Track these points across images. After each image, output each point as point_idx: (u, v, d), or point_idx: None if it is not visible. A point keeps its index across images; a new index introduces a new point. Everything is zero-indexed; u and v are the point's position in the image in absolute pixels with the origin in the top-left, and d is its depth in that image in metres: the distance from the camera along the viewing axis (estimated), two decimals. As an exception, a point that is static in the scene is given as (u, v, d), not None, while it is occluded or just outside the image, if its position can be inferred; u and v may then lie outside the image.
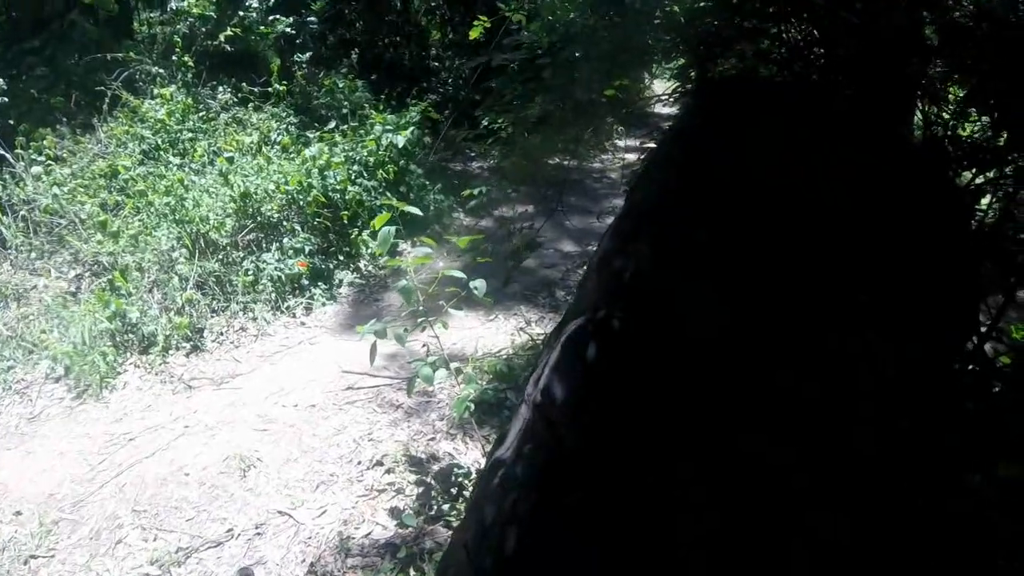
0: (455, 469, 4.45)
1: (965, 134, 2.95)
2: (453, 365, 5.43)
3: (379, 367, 5.54)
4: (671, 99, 4.77)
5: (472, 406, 4.09)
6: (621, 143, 10.52)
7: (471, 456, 4.67)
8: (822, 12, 3.09)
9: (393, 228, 3.95)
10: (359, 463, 4.69)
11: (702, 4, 3.95)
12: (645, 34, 4.11)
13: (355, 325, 6.52)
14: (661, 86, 4.69)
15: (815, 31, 3.28)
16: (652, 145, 5.38)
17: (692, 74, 4.10)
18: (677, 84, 4.40)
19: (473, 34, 5.73)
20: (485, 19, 5.56)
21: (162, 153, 7.96)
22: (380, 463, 4.66)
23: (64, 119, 8.08)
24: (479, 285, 4.02)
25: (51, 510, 4.32)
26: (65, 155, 7.54)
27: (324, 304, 6.96)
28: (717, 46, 3.83)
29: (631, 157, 8.15)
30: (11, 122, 7.92)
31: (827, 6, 3.00)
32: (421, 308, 4.09)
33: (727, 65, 3.97)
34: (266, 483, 4.54)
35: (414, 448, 4.77)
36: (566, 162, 5.68)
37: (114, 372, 5.64)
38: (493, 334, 6.28)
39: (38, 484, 4.55)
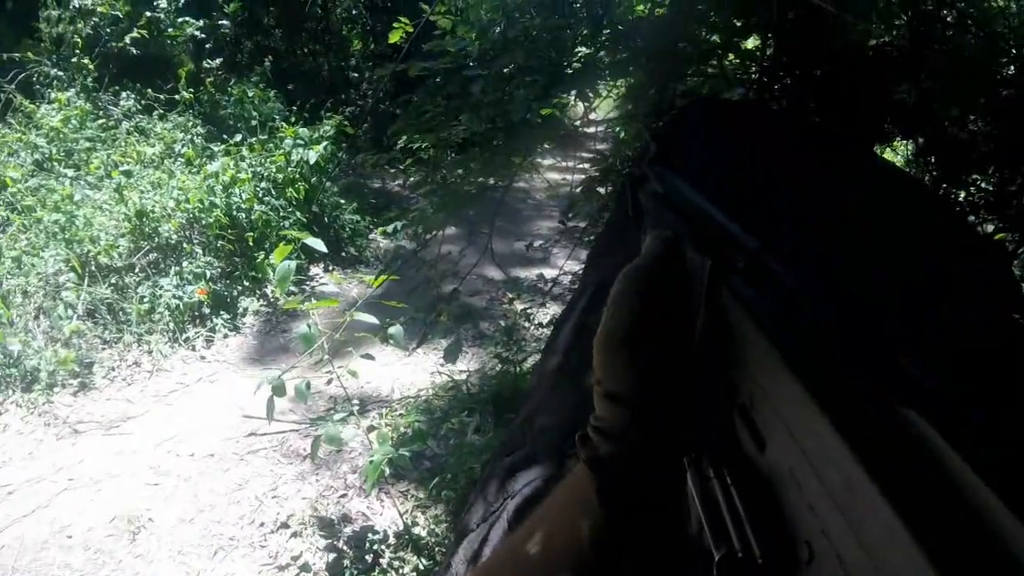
0: (369, 534, 4.09)
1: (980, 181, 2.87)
2: (367, 413, 5.06)
3: (283, 411, 5.11)
4: (619, 121, 4.48)
5: (387, 470, 3.70)
6: (545, 161, 10.27)
7: (387, 516, 4.31)
8: (797, 27, 2.87)
9: (293, 264, 3.54)
10: (262, 524, 4.28)
11: (659, 12, 3.66)
12: (594, 45, 3.79)
13: (260, 359, 6.10)
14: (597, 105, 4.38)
15: (794, 47, 3.07)
16: (583, 167, 5.11)
17: (649, 94, 3.80)
18: (623, 103, 4.12)
19: (393, 38, 5.32)
20: (406, 22, 5.16)
21: (55, 164, 7.40)
22: (286, 525, 4.26)
23: (-48, 122, 7.47)
24: (395, 333, 3.66)
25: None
26: (-51, 163, 6.91)
27: (226, 336, 6.47)
28: (681, 63, 3.56)
29: (555, 176, 7.87)
30: None
31: (801, 20, 2.78)
32: (326, 357, 3.69)
33: (688, 84, 3.72)
34: (158, 548, 4.11)
35: (323, 507, 4.38)
36: (494, 183, 5.34)
37: (-8, 411, 5.10)
38: (411, 372, 5.92)
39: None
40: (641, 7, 4.01)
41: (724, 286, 0.74)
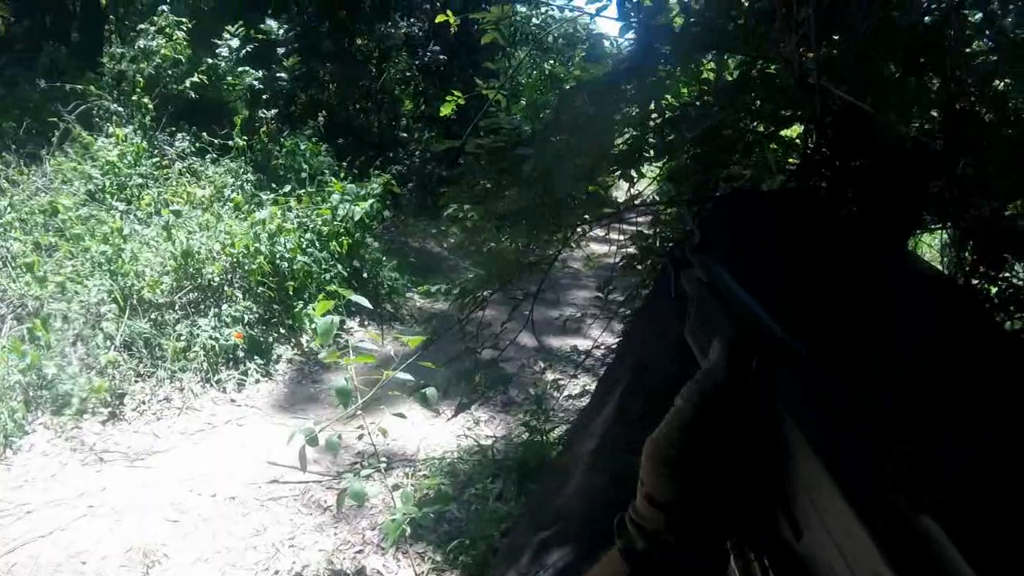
0: (382, 592, 4.02)
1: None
2: (392, 471, 5.04)
3: (309, 461, 5.07)
4: (663, 204, 4.52)
5: (407, 529, 3.67)
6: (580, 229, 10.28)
7: (402, 576, 4.25)
8: (847, 119, 2.90)
9: (336, 319, 3.56)
10: (277, 572, 4.24)
11: (706, 99, 3.71)
12: (642, 128, 3.85)
13: (290, 407, 6.10)
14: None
15: (835, 138, 3.10)
16: (619, 238, 5.14)
17: (692, 178, 3.86)
18: (667, 184, 4.16)
19: (444, 111, 5.43)
20: (458, 95, 5.26)
21: (107, 197, 7.56)
22: (300, 575, 4.19)
23: (12, 146, 7.66)
24: (431, 394, 3.65)
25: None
26: (6, 185, 7.08)
27: (258, 381, 6.49)
28: (725, 150, 3.61)
29: (595, 248, 7.91)
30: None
31: (842, 114, 2.82)
32: (359, 413, 3.69)
33: (734, 171, 3.76)
34: (169, 585, 4.06)
35: (339, 560, 4.34)
36: (533, 258, 5.38)
37: (21, 431, 5.16)
38: (438, 432, 5.88)
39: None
40: (687, 92, 4.07)
41: (772, 390, 0.76)
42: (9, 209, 6.81)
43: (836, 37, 2.99)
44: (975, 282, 2.81)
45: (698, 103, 3.78)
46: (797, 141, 3.59)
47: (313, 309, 7.17)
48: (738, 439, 0.78)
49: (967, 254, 2.90)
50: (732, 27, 3.48)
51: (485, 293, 4.64)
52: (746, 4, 3.45)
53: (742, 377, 0.81)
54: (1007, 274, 2.84)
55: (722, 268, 1.16)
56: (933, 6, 2.90)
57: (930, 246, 4.17)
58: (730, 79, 3.78)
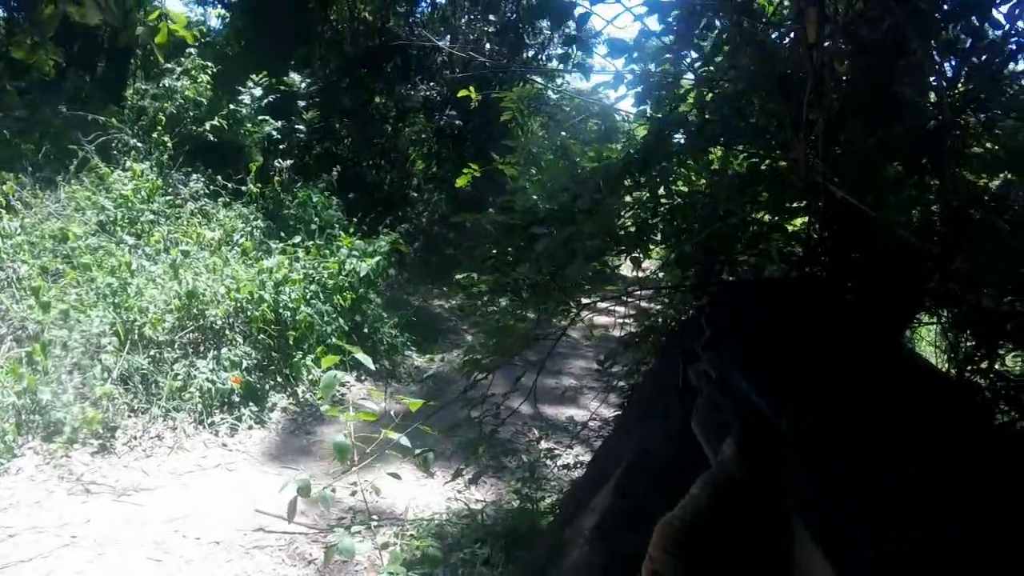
0: (364, 654, 3.96)
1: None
2: (380, 529, 4.99)
3: (297, 511, 5.03)
4: (667, 287, 4.57)
5: (394, 593, 3.63)
6: (586, 301, 10.30)
7: (384, 638, 4.17)
8: (848, 215, 2.97)
9: (339, 374, 3.57)
10: (256, 623, 4.17)
11: (711, 191, 3.79)
12: (651, 213, 3.92)
13: (281, 457, 6.06)
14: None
15: (836, 232, 3.18)
16: (623, 312, 5.17)
17: (696, 265, 3.93)
18: (672, 271, 4.22)
19: (460, 182, 5.51)
20: (475, 167, 5.35)
21: (118, 229, 7.59)
22: (280, 630, 4.15)
23: (29, 168, 7.72)
24: (429, 458, 3.63)
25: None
26: (19, 206, 7.11)
27: (251, 427, 6.46)
28: (730, 238, 3.68)
29: (597, 319, 7.95)
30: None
31: (844, 210, 2.89)
32: (354, 468, 3.67)
33: (738, 259, 3.83)
34: (147, 625, 4.00)
35: (320, 616, 4.27)
36: (539, 331, 5.41)
37: (10, 453, 5.14)
38: (428, 493, 5.84)
39: None
40: (696, 179, 4.16)
41: (778, 485, 0.81)
42: (20, 231, 6.83)
43: (842, 139, 3.07)
44: (967, 374, 2.85)
45: (706, 192, 3.87)
46: (801, 234, 3.66)
47: (312, 361, 7.18)
48: (745, 528, 0.82)
49: (963, 343, 2.95)
50: (744, 124, 3.58)
51: (492, 366, 4.66)
52: (758, 106, 3.53)
53: (753, 473, 0.85)
54: (999, 368, 2.89)
55: (733, 366, 1.20)
56: (937, 112, 2.99)
57: (925, 339, 4.23)
58: (739, 170, 3.86)
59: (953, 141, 2.85)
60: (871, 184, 2.90)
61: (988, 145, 3.07)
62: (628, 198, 3.95)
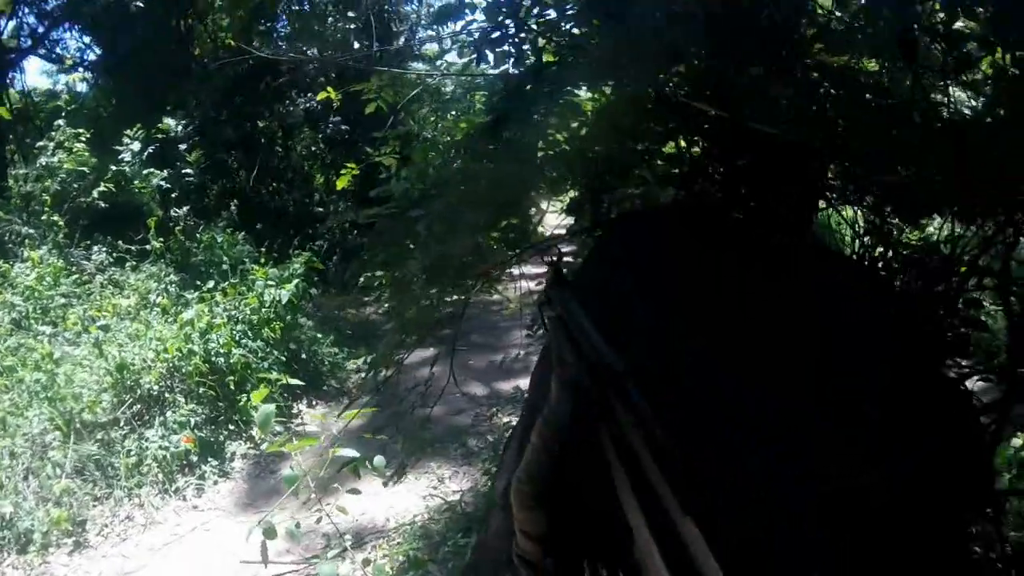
0: (376, 672, 4.06)
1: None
2: (364, 546, 5.08)
3: (280, 552, 5.08)
4: (567, 236, 4.65)
5: (385, 606, 3.74)
6: (516, 271, 10.33)
7: (392, 653, 4.29)
8: (717, 125, 3.04)
9: (273, 407, 3.65)
10: (267, 675, 4.23)
11: (584, 132, 3.83)
12: (530, 169, 3.97)
13: (253, 503, 6.09)
14: (554, 217, 4.56)
15: (712, 145, 3.23)
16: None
17: (586, 207, 3.97)
18: (569, 216, 4.27)
19: (340, 183, 5.52)
20: (353, 166, 5.37)
21: (32, 322, 7.48)
22: (291, 672, 4.22)
23: (-71, 286, 7.57)
24: (377, 463, 3.72)
25: None
26: (-75, 327, 6.98)
27: (216, 482, 6.45)
28: (610, 174, 3.72)
29: (529, 285, 8.05)
30: None
31: (721, 117, 2.94)
32: (313, 496, 3.75)
33: (624, 193, 3.86)
34: None
35: (325, 652, 4.34)
36: (449, 310, 5.44)
37: (-13, 578, 5.04)
38: (404, 497, 5.91)
39: None
40: (573, 124, 4.18)
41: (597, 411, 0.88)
42: (-63, 349, 6.73)
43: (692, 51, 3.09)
44: (877, 252, 2.92)
45: (578, 135, 3.90)
46: (682, 155, 3.69)
47: (253, 401, 7.17)
48: (584, 469, 0.88)
49: (876, 223, 2.98)
50: (583, 61, 3.60)
51: (404, 354, 4.70)
52: (594, 42, 3.55)
53: (577, 411, 0.91)
54: (901, 237, 2.97)
55: (571, 300, 1.26)
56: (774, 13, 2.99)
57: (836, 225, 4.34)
58: (596, 107, 3.89)
59: (797, 32, 2.91)
60: (726, 91, 2.91)
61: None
62: (503, 163, 3.98)
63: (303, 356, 8.55)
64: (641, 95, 3.35)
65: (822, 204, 3.35)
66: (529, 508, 0.90)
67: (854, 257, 3.01)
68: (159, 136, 10.84)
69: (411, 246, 4.11)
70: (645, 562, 0.72)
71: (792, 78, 2.87)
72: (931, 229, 3.05)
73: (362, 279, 5.37)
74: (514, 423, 6.41)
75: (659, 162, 3.71)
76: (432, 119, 12.81)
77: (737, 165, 3.17)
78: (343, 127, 12.61)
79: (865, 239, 2.97)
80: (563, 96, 3.81)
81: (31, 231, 8.77)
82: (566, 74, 3.55)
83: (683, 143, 3.46)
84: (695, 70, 3.05)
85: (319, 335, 9.06)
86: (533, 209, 4.11)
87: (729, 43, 2.76)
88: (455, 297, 4.59)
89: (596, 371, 0.93)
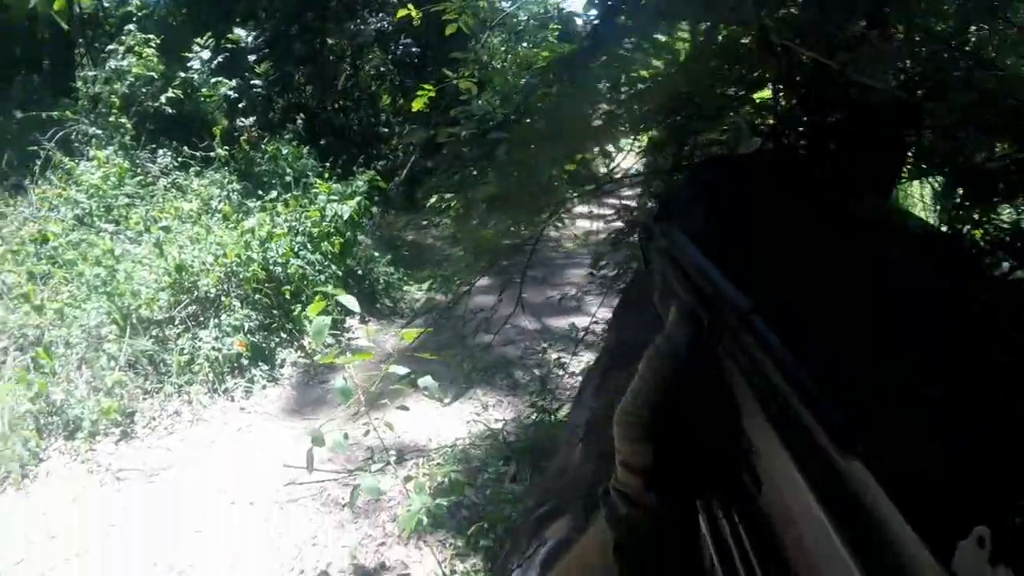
0: (407, 581, 4.07)
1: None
2: (405, 463, 5.09)
3: (323, 460, 5.11)
4: (641, 177, 4.54)
5: (424, 519, 3.73)
6: (575, 209, 10.21)
7: (426, 566, 4.30)
8: (815, 75, 2.91)
9: (328, 319, 3.60)
10: (302, 572, 4.29)
11: (672, 71, 3.71)
12: (613, 104, 3.85)
13: (299, 410, 6.14)
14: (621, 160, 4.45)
15: (807, 96, 3.10)
16: (607, 213, 5.16)
17: (668, 148, 3.86)
18: (645, 159, 4.16)
19: (416, 105, 5.43)
20: (429, 87, 5.27)
21: (96, 219, 7.59)
22: (326, 573, 4.28)
23: (-5, 179, 7.69)
24: (429, 384, 3.68)
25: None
26: (-7, 218, 7.10)
27: (265, 387, 6.52)
28: (699, 117, 3.61)
29: (586, 224, 7.94)
30: (-61, 179, 7.53)
31: (820, 68, 2.81)
32: (362, 409, 3.73)
33: (709, 137, 3.76)
34: (199, 595, 4.10)
35: (362, 555, 4.39)
36: (517, 240, 5.39)
37: (36, 459, 5.17)
38: (448, 421, 5.92)
39: (-54, 587, 4.07)
40: (659, 63, 4.06)
41: (720, 344, 0.80)
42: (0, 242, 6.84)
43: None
44: (961, 227, 2.81)
45: (667, 74, 3.79)
46: (770, 104, 3.59)
47: (309, 313, 7.19)
48: (698, 401, 0.82)
49: (957, 200, 2.89)
50: None
51: (472, 280, 4.66)
52: None
53: (696, 338, 0.85)
54: (992, 216, 2.85)
55: (680, 234, 1.18)
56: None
57: (919, 198, 4.20)
58: (688, 47, 3.77)
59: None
60: (832, 41, 2.82)
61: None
62: (589, 92, 3.88)
63: (359, 273, 8.57)
64: (741, 37, 3.23)
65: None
66: (634, 439, 0.83)
67: (940, 231, 2.87)
68: (228, 46, 10.81)
69: (488, 171, 4.04)
70: (786, 501, 0.66)
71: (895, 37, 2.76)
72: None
73: (432, 200, 5.29)
74: (565, 359, 6.38)
75: (748, 109, 3.59)
76: (503, 48, 12.64)
77: (828, 121, 3.03)
78: (413, 49, 12.47)
79: (951, 213, 2.85)
80: (655, 31, 3.68)
81: (98, 131, 8.83)
82: (664, 7, 3.43)
83: (780, 92, 3.32)
84: (798, 16, 2.92)
85: (376, 254, 9.06)
86: (610, 146, 3.98)
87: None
88: (523, 230, 4.53)
89: (715, 306, 0.86)
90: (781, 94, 3.31)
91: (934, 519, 0.53)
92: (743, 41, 3.24)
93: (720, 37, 3.52)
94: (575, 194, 4.49)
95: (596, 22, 3.73)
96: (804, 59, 2.73)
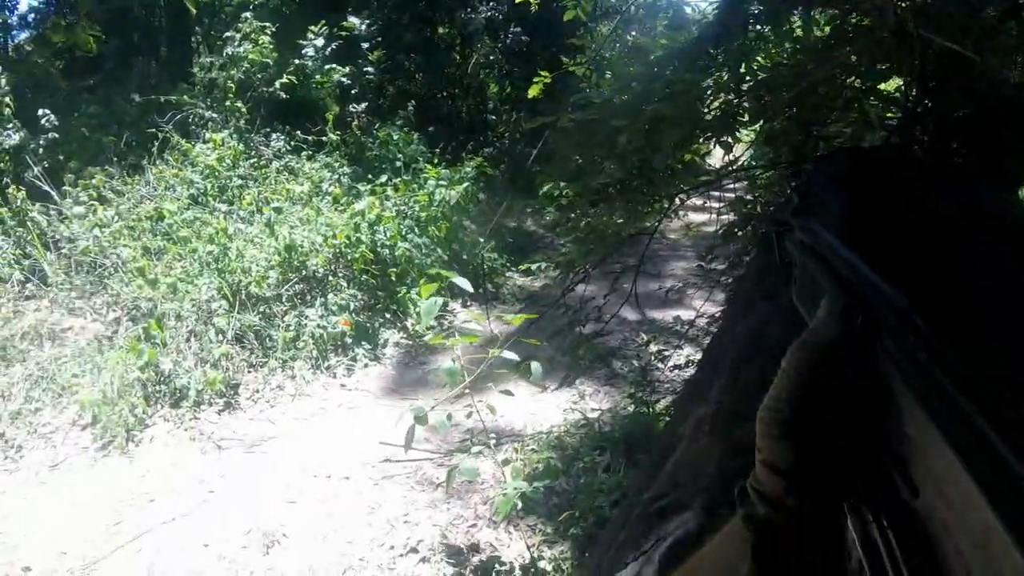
0: (496, 564, 4.03)
1: None
2: (500, 447, 5.08)
3: (419, 440, 5.12)
4: (761, 168, 4.42)
5: (519, 503, 3.69)
6: (700, 200, 10.04)
7: (515, 549, 4.26)
8: (939, 70, 2.77)
9: (440, 300, 3.58)
10: (392, 548, 4.29)
11: (799, 58, 3.59)
12: (735, 92, 3.75)
13: (399, 390, 6.18)
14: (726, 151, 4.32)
15: (937, 88, 2.96)
16: (716, 206, 5.04)
17: (790, 140, 3.74)
18: (764, 148, 4.04)
19: (532, 92, 5.37)
20: (545, 74, 5.22)
21: (210, 199, 7.82)
22: (415, 550, 4.25)
23: (114, 159, 8.00)
24: (535, 370, 3.63)
25: (61, 570, 4.00)
26: (112, 196, 7.41)
27: (367, 365, 6.60)
28: (825, 108, 3.49)
29: (693, 217, 7.81)
30: (61, 158, 7.84)
31: (953, 59, 2.68)
32: (467, 392, 3.71)
33: (829, 130, 3.63)
34: (289, 563, 4.14)
35: (453, 535, 4.37)
36: (632, 230, 5.31)
37: (142, 424, 5.34)
38: (545, 407, 5.88)
39: (52, 540, 4.22)
40: (777, 52, 3.94)
41: (877, 343, 0.74)
42: (116, 218, 7.10)
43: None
44: None
45: (791, 62, 3.66)
46: (897, 95, 3.44)
47: (416, 293, 7.23)
48: (849, 399, 0.77)
49: None
50: None
51: (586, 267, 4.60)
52: None
53: (850, 335, 0.79)
54: None
55: (823, 228, 1.13)
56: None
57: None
58: (821, 35, 3.64)
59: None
60: (967, 29, 2.68)
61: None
62: (709, 81, 3.79)
63: (464, 257, 8.62)
64: (873, 26, 3.11)
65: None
66: (775, 437, 0.79)
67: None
68: (342, 34, 10.98)
69: (606, 159, 3.97)
70: (949, 507, 0.62)
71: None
72: None
73: (546, 187, 5.26)
74: (667, 352, 6.27)
75: (873, 101, 3.45)
76: (611, 37, 12.55)
77: (956, 116, 2.89)
78: (523, 38, 12.46)
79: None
80: (786, 18, 3.57)
81: (214, 115, 9.09)
82: None
83: (909, 84, 3.19)
84: (933, 4, 2.79)
85: (481, 239, 9.09)
86: (729, 137, 3.88)
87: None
88: (639, 221, 4.46)
89: (869, 303, 0.81)
90: (911, 87, 3.17)
91: None
92: (875, 30, 3.11)
93: (849, 26, 3.39)
94: (690, 186, 4.40)
95: (721, 10, 3.64)
96: (935, 51, 2.61)
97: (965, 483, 0.57)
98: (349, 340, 6.70)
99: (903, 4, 2.66)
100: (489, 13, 12.48)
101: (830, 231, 1.14)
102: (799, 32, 3.91)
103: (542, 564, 4.07)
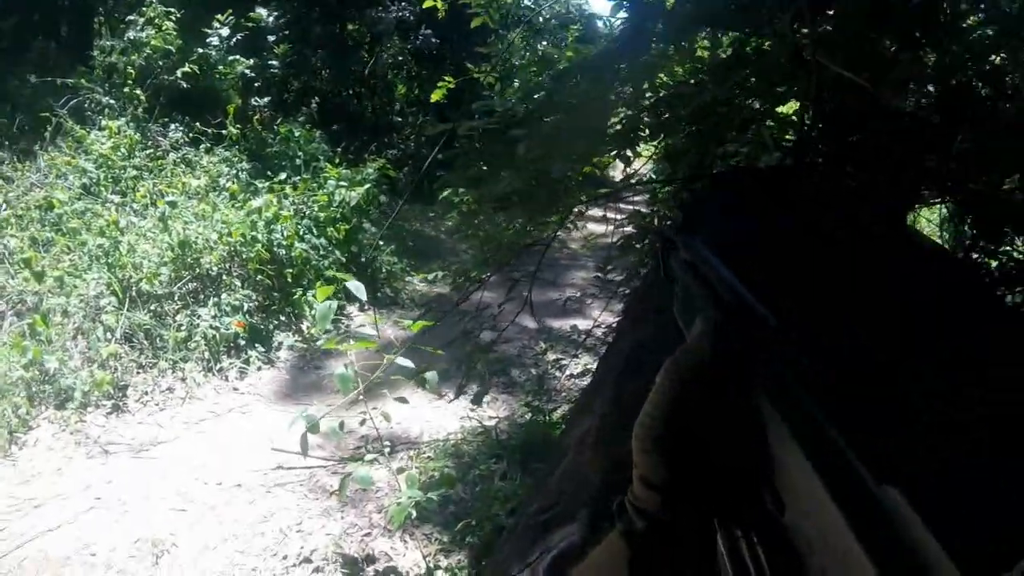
0: (391, 574, 4.04)
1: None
2: (396, 454, 5.06)
3: (313, 446, 5.04)
4: (656, 184, 4.51)
5: (413, 512, 3.69)
6: (586, 212, 10.13)
7: (410, 558, 4.26)
8: (833, 95, 2.88)
9: (335, 304, 3.57)
10: (285, 557, 4.24)
11: (701, 78, 3.67)
12: (636, 107, 3.81)
13: (293, 394, 6.11)
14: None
15: (831, 113, 3.07)
16: (617, 217, 5.12)
17: (687, 159, 3.83)
18: (664, 163, 4.14)
19: (435, 96, 5.38)
20: (450, 79, 5.23)
21: (102, 190, 7.55)
22: (309, 560, 4.22)
23: (6, 143, 7.68)
24: (431, 378, 3.65)
25: (-64, 584, 3.83)
26: (0, 182, 7.08)
27: (260, 368, 6.49)
28: (724, 127, 3.58)
29: (593, 228, 7.90)
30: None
31: (837, 89, 2.79)
32: (361, 398, 3.69)
33: (727, 149, 3.72)
34: (179, 573, 4.07)
35: (347, 544, 4.35)
36: (529, 240, 5.34)
37: (25, 426, 5.14)
38: (441, 415, 5.89)
39: (-75, 552, 4.05)
40: (681, 71, 4.03)
41: (748, 361, 0.77)
42: (4, 206, 6.82)
43: (831, 12, 2.96)
44: (975, 256, 2.79)
45: (692, 81, 3.75)
46: (794, 118, 3.56)
47: (313, 296, 7.15)
48: (720, 416, 0.79)
49: (967, 228, 2.88)
50: (724, 3, 3.45)
51: (483, 276, 4.62)
52: None
53: (722, 353, 0.82)
54: (1007, 248, 2.82)
55: (704, 247, 1.16)
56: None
57: (929, 221, 4.17)
58: (723, 56, 3.73)
59: (944, 14, 2.75)
60: (864, 59, 2.79)
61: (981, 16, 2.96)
62: (611, 96, 3.85)
63: (362, 260, 8.56)
64: (772, 49, 3.20)
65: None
66: (648, 452, 0.80)
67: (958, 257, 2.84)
68: (248, 25, 10.78)
69: (504, 168, 4.00)
70: (812, 525, 0.64)
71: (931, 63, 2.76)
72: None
73: (445, 193, 5.26)
74: (564, 361, 6.34)
75: (770, 123, 3.56)
76: (523, 46, 12.62)
77: (849, 140, 3.01)
78: (433, 40, 12.44)
79: (966, 241, 2.83)
80: (686, 38, 3.64)
81: (111, 102, 8.80)
82: (699, 15, 3.40)
83: (805, 108, 3.30)
84: (831, 33, 2.89)
85: (381, 242, 9.03)
86: (629, 151, 3.95)
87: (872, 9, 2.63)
88: (536, 231, 4.49)
89: (742, 321, 0.83)
90: (807, 110, 3.27)
91: (975, 552, 0.49)
92: (773, 54, 3.21)
93: (750, 49, 3.49)
94: (590, 197, 4.46)
95: (625, 25, 3.70)
96: (832, 76, 2.70)
97: (824, 499, 0.59)
98: (242, 342, 6.58)
99: (803, 31, 2.74)
100: (400, 13, 12.42)
101: (713, 250, 1.18)
102: (702, 52, 4.00)
103: (438, 574, 4.10)
